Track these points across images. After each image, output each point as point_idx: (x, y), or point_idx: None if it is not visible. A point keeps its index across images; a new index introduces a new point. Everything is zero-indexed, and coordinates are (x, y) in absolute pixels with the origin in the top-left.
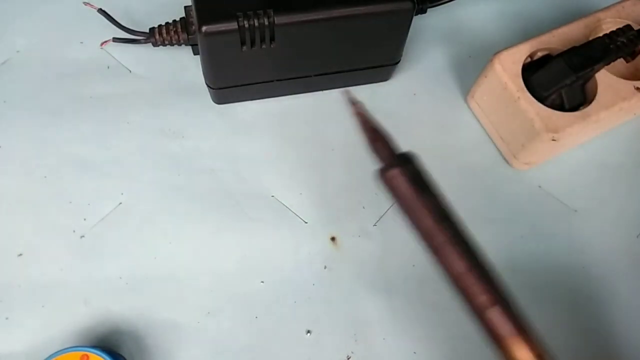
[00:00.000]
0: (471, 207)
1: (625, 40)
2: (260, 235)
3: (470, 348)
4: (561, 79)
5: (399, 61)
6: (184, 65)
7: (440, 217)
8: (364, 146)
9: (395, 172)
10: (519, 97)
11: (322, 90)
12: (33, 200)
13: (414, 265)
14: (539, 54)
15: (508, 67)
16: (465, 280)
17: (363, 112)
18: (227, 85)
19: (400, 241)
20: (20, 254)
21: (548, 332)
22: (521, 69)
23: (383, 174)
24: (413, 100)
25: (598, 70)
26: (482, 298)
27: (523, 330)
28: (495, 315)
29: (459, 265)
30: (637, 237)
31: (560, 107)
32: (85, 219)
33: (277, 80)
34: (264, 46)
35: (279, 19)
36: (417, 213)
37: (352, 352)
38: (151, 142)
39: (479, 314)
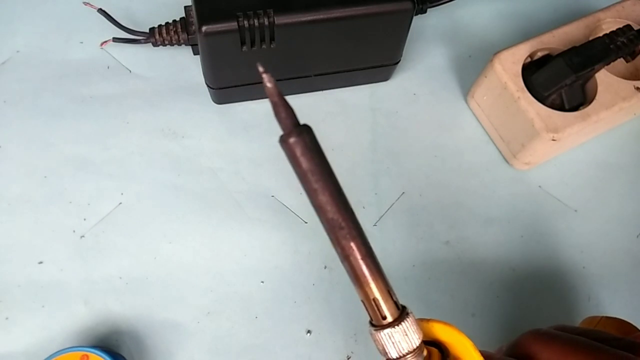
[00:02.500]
0: (471, 207)
1: (625, 40)
2: (260, 235)
3: None
4: (561, 79)
5: (399, 61)
6: (184, 65)
7: (327, 178)
8: (364, 146)
9: (295, 139)
10: (519, 97)
11: (322, 90)
12: (33, 200)
13: (414, 265)
14: (539, 54)
15: (508, 67)
16: (337, 229)
17: (274, 82)
18: (227, 85)
19: (400, 241)
20: (21, 255)
21: None
22: (521, 69)
23: (285, 139)
24: (413, 100)
25: (598, 70)
26: (348, 243)
27: (378, 272)
28: (356, 259)
29: (334, 213)
30: (637, 237)
31: (560, 107)
32: (85, 219)
33: (277, 80)
34: (264, 46)
35: (279, 19)
36: (308, 174)
37: (352, 352)
38: (151, 142)
39: (343, 255)
